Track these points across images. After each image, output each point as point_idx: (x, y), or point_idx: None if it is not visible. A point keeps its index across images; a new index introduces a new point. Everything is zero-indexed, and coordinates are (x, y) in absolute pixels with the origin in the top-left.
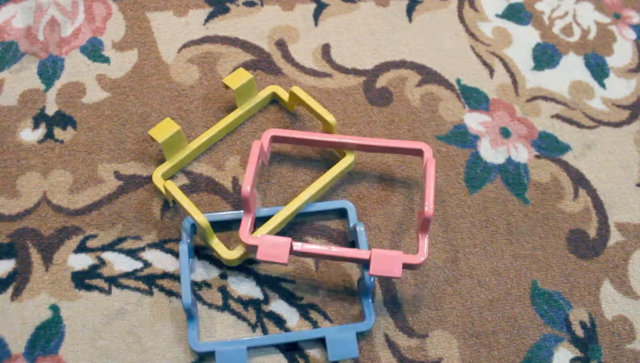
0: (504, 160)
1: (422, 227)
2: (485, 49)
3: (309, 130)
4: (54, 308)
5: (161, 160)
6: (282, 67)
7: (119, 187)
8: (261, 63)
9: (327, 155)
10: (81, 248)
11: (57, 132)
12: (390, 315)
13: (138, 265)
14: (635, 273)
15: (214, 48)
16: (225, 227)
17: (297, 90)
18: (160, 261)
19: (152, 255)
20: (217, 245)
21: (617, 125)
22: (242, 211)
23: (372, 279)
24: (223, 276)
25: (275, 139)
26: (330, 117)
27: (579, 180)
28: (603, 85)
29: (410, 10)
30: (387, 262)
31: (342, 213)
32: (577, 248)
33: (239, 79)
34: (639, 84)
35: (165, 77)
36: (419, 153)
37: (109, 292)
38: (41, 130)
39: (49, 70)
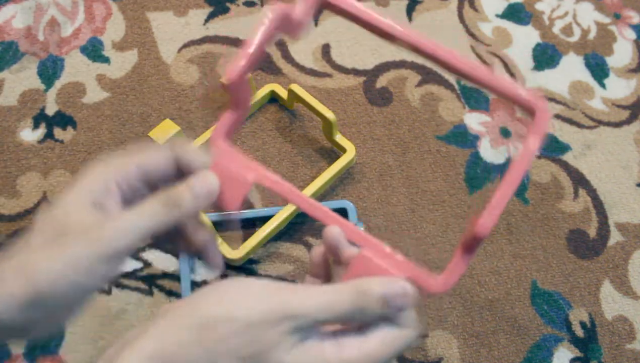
0: (504, 160)
1: (465, 245)
2: (485, 49)
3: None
4: None
5: None
6: (282, 67)
7: None
8: (261, 63)
9: (327, 153)
10: None
11: (57, 132)
12: None
13: (138, 265)
14: (635, 273)
15: (214, 48)
16: (226, 227)
17: (295, 87)
18: (160, 261)
19: (152, 255)
20: (221, 244)
21: (617, 125)
22: (243, 211)
23: None
24: (223, 276)
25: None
26: (329, 114)
27: (579, 180)
28: (603, 85)
29: (410, 10)
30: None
31: (342, 213)
32: (577, 248)
33: None
34: (639, 84)
35: (165, 77)
36: (528, 109)
37: (109, 292)
38: (41, 130)
39: (49, 70)
